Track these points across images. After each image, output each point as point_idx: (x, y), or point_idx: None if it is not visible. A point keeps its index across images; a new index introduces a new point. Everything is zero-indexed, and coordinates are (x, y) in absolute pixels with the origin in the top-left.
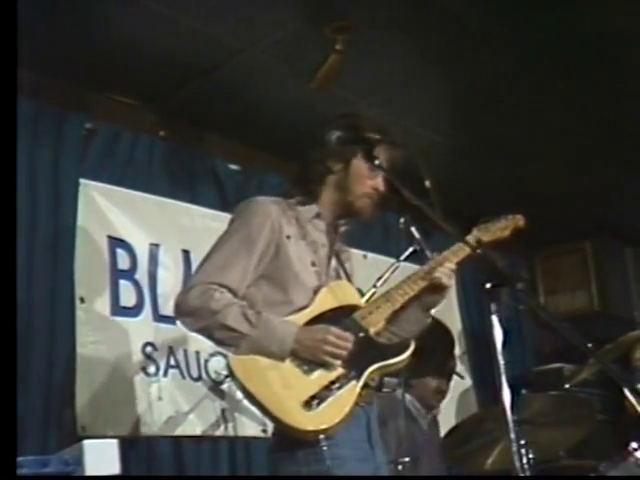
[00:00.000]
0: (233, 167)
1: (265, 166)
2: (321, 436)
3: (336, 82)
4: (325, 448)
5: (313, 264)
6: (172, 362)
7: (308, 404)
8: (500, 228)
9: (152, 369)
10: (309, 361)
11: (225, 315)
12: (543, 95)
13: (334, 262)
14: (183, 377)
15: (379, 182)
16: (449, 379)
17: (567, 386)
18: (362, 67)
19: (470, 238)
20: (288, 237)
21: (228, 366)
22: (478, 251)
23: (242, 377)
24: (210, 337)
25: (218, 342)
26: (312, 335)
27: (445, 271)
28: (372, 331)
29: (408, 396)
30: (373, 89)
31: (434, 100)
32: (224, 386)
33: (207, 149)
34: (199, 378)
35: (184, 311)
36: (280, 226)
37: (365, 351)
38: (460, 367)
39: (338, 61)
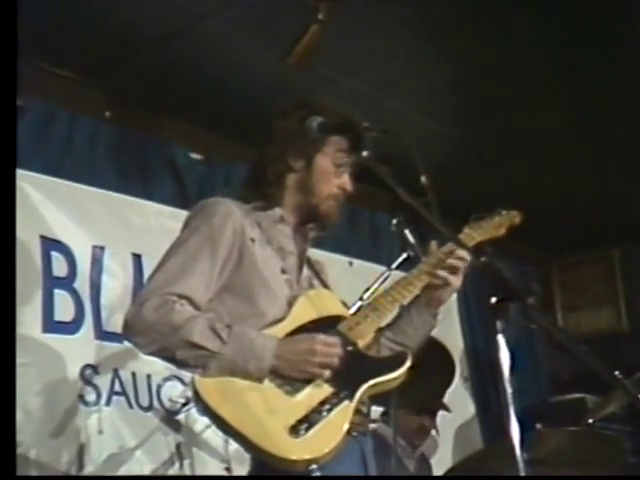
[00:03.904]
0: (195, 156)
1: (233, 155)
2: (313, 467)
3: (317, 57)
4: None
5: (283, 271)
6: (117, 388)
7: (295, 429)
8: (494, 226)
9: (92, 397)
10: (292, 380)
11: (190, 330)
12: (561, 87)
13: (306, 271)
14: (130, 406)
15: (346, 180)
16: (434, 415)
17: (591, 421)
18: (348, 40)
19: (462, 237)
20: (252, 240)
21: (194, 389)
22: (482, 258)
23: (213, 402)
24: (171, 359)
25: (181, 364)
26: (295, 347)
27: (453, 265)
28: (361, 344)
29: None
30: (360, 66)
31: (433, 81)
32: (180, 416)
33: (163, 134)
34: (150, 407)
35: (137, 329)
36: (243, 227)
37: (356, 367)
38: (463, 393)
39: (319, 33)
